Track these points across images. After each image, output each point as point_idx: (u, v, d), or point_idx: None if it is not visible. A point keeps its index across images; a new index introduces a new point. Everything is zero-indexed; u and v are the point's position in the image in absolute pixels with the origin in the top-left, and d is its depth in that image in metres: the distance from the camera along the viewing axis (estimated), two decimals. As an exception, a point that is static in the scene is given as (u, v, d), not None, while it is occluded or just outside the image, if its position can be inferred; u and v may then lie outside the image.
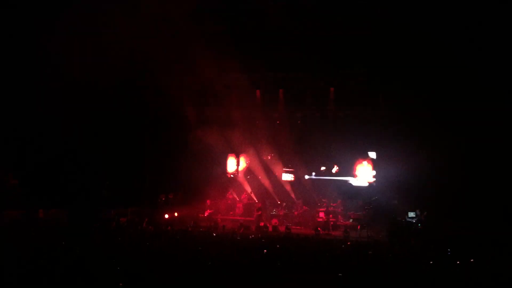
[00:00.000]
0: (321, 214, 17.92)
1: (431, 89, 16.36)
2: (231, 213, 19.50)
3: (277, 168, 20.42)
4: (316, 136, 19.44)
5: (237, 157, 20.99)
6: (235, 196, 20.17)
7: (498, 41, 14.64)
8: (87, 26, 15.47)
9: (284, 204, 19.05)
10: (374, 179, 19.04)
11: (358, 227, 16.85)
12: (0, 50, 15.47)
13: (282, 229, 16.58)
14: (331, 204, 18.49)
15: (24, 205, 16.26)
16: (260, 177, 20.48)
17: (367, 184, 19.06)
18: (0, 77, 15.74)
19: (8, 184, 16.79)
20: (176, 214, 18.20)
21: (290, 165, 20.43)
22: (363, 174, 19.23)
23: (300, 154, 19.90)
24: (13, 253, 9.66)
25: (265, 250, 10.78)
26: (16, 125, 16.74)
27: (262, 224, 17.04)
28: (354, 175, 19.42)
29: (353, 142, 19.15)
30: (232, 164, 20.98)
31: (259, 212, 17.94)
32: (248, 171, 20.77)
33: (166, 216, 17.79)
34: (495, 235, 13.13)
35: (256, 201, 19.25)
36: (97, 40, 16.16)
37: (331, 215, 17.74)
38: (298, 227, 17.56)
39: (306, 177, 20.06)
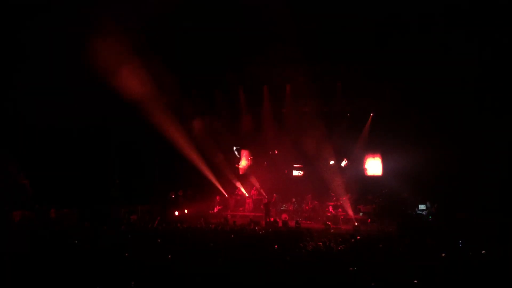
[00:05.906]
0: (330, 208, 17.90)
1: (440, 80, 16.18)
2: (240, 209, 19.52)
3: (285, 163, 20.38)
4: (324, 130, 19.35)
5: (243, 152, 21.01)
6: (244, 191, 20.18)
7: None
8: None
9: (294, 199, 19.04)
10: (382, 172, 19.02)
11: (368, 221, 16.83)
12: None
13: (292, 224, 16.59)
14: (340, 198, 18.45)
15: (36, 205, 16.40)
16: (268, 172, 20.46)
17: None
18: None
19: (19, 184, 16.93)
20: (186, 211, 18.27)
21: (299, 161, 20.39)
22: (373, 167, 19.17)
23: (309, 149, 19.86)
24: (24, 252, 9.75)
25: (276, 246, 10.81)
26: (27, 125, 16.86)
27: (272, 219, 17.05)
28: (364, 169, 19.37)
29: (362, 136, 19.07)
30: (239, 159, 21.02)
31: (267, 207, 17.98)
32: (256, 166, 20.76)
33: (176, 213, 17.86)
34: (507, 225, 13.01)
35: (265, 196, 19.16)
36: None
37: (340, 209, 17.72)
38: (308, 222, 17.57)
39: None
